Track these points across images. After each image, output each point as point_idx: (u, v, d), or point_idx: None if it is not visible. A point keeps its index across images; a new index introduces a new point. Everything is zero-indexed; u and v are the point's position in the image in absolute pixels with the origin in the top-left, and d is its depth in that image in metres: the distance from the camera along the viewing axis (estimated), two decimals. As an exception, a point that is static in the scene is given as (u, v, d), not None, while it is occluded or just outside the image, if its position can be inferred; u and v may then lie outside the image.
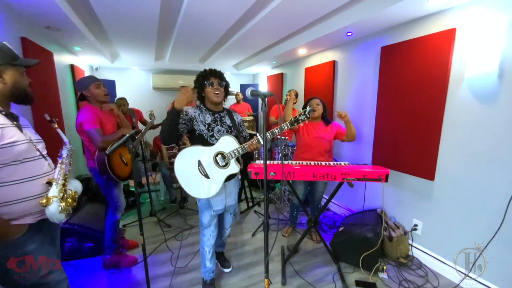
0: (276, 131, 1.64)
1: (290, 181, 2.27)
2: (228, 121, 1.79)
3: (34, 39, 2.34)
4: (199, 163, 1.63)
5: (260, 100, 5.11)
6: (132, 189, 3.72)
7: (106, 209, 2.15)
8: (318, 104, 2.39)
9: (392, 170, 2.17)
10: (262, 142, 1.59)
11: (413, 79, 2.18)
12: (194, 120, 1.68)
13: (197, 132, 1.68)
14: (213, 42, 3.33)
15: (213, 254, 1.88)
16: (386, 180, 1.84)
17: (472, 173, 1.87)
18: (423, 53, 2.08)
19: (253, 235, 2.73)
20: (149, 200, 3.10)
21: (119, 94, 4.42)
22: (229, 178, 1.70)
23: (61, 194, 1.13)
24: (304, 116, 1.67)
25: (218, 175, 1.65)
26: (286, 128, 1.65)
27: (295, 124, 1.68)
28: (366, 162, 2.77)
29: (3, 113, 1.07)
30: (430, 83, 2.05)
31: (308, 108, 1.68)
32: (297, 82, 4.12)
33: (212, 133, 1.70)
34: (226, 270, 2.14)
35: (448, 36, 1.91)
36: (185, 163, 1.63)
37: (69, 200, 1.17)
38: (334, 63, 3.17)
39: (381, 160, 2.55)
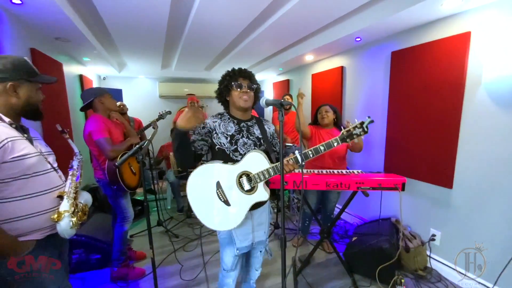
0: (322, 148, 1.31)
1: (302, 190, 2.18)
2: (257, 131, 1.43)
3: (44, 50, 2.36)
4: (218, 185, 1.28)
5: (264, 109, 5.05)
6: (138, 198, 3.69)
7: (114, 220, 2.11)
8: (327, 111, 2.35)
9: (406, 178, 2.09)
10: (300, 161, 1.28)
11: (427, 84, 2.12)
12: (214, 132, 1.35)
13: (217, 147, 1.34)
14: (219, 50, 3.34)
15: None
16: (403, 189, 1.77)
17: (492, 180, 1.79)
18: (437, 58, 2.03)
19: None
20: (155, 209, 3.06)
21: (126, 102, 4.44)
22: (257, 205, 1.34)
23: (72, 209, 1.10)
24: (361, 130, 1.31)
25: (241, 203, 1.28)
26: (336, 145, 1.31)
27: (348, 139, 1.32)
28: (377, 169, 2.69)
29: (14, 126, 1.06)
30: (445, 88, 1.99)
31: (367, 120, 1.32)
32: (303, 89, 4.07)
33: (235, 146, 1.35)
34: None
35: (463, 39, 1.86)
36: (200, 184, 1.28)
37: (80, 214, 1.15)
38: (342, 69, 3.13)
39: (394, 167, 2.48)
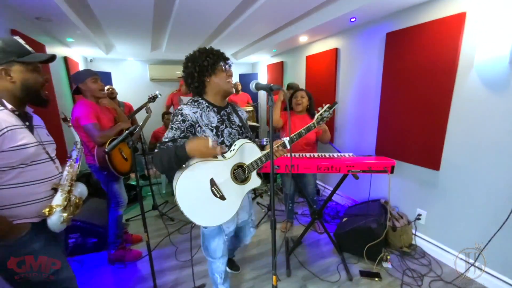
0: (304, 131, 1.43)
1: (290, 174, 2.17)
2: (236, 119, 1.37)
3: (24, 31, 2.23)
4: (212, 182, 1.20)
5: (257, 92, 4.97)
6: (133, 183, 3.71)
7: (108, 205, 2.13)
8: (302, 96, 2.35)
9: (396, 160, 2.14)
10: (288, 147, 1.33)
11: (420, 66, 2.10)
12: (197, 125, 1.23)
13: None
14: (211, 31, 3.21)
15: (226, 276, 1.57)
16: (392, 172, 1.81)
17: (479, 163, 1.84)
18: (431, 39, 2.00)
19: (256, 226, 2.73)
20: (150, 193, 3.09)
21: (115, 86, 4.31)
22: None
23: (65, 203, 1.10)
24: (328, 113, 1.55)
25: (237, 193, 1.27)
26: (314, 128, 1.48)
27: (321, 122, 1.54)
28: (369, 152, 2.74)
29: (16, 113, 1.04)
30: (438, 70, 1.98)
31: (335, 104, 1.59)
32: (297, 71, 4.03)
33: (222, 138, 1.28)
34: (235, 272, 2.03)
35: (458, 20, 1.83)
36: (193, 184, 1.18)
37: (72, 208, 1.14)
38: (336, 50, 3.07)
39: (385, 150, 2.52)
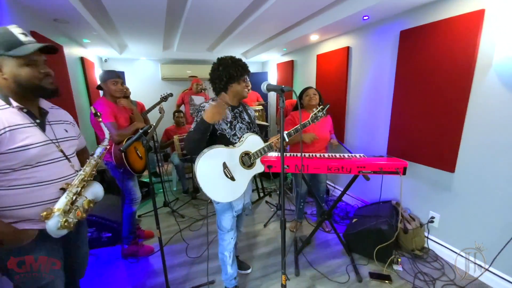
0: (293, 132, 1.64)
1: (290, 174, 2.29)
2: (246, 116, 1.67)
3: (43, 32, 2.32)
4: (224, 165, 1.48)
5: (268, 94, 4.96)
6: (145, 180, 3.80)
7: (122, 201, 2.20)
8: (315, 94, 2.37)
9: (408, 161, 2.10)
10: (287, 140, 1.61)
11: (435, 65, 2.05)
12: None
13: (219, 132, 1.52)
14: (222, 30, 3.24)
15: (234, 258, 1.76)
16: (404, 173, 1.78)
17: (496, 166, 1.78)
18: (447, 37, 1.94)
19: (265, 225, 2.75)
20: (162, 190, 3.16)
21: (128, 85, 4.40)
22: None
23: (67, 207, 1.00)
24: (322, 113, 1.73)
25: (244, 176, 1.55)
26: (308, 125, 1.70)
27: (315, 121, 1.72)
28: (380, 153, 2.69)
29: (25, 110, 0.97)
30: (454, 69, 1.92)
31: (327, 106, 1.77)
32: (308, 70, 4.00)
33: (234, 131, 1.58)
34: (248, 271, 2.06)
35: (476, 18, 1.76)
36: (209, 165, 1.45)
37: (79, 211, 1.03)
38: (348, 49, 3.03)
39: (397, 151, 2.47)
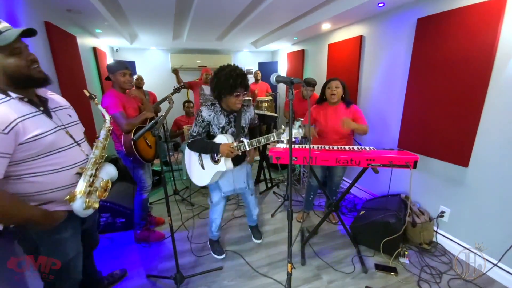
0: (263, 140, 1.63)
1: (298, 166, 2.27)
2: (242, 120, 1.82)
3: (57, 23, 2.37)
4: (199, 155, 1.86)
5: (277, 85, 4.97)
6: (156, 169, 3.90)
7: (135, 189, 2.28)
8: (337, 86, 2.22)
9: (420, 155, 2.06)
10: (247, 148, 1.68)
11: (453, 55, 1.96)
12: (210, 124, 1.78)
13: (211, 134, 1.81)
14: (231, 19, 3.20)
15: (220, 228, 2.11)
16: (415, 167, 1.75)
17: (512, 160, 1.73)
18: (467, 26, 1.85)
19: (272, 215, 2.79)
20: (172, 179, 3.24)
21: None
22: (236, 163, 1.85)
23: (88, 189, 1.07)
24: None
25: (210, 169, 1.84)
26: (272, 139, 1.60)
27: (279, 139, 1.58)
28: (391, 145, 2.64)
29: (26, 100, 0.96)
30: (473, 59, 1.84)
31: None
32: (319, 59, 3.91)
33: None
34: (257, 241, 2.31)
35: (498, 5, 1.67)
36: (191, 152, 1.89)
37: (99, 192, 1.11)
38: (361, 38, 2.94)
39: (408, 144, 2.42)
